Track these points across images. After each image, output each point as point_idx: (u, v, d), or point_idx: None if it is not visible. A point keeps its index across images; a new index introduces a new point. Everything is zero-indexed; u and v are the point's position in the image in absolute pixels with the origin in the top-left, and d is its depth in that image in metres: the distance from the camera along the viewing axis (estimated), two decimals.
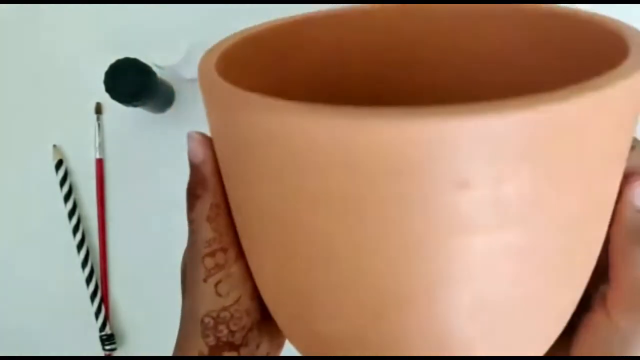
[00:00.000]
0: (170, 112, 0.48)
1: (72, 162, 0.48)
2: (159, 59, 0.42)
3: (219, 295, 0.27)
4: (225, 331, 0.28)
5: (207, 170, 0.27)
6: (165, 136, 0.48)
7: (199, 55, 0.50)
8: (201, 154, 0.26)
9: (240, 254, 0.28)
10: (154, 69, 0.43)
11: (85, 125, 0.48)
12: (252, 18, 0.48)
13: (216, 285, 0.27)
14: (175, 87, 0.48)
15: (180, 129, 0.48)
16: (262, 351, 0.30)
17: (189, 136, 0.27)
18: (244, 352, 0.29)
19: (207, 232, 0.27)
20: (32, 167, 0.49)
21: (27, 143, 0.49)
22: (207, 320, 0.27)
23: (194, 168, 0.27)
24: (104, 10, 0.49)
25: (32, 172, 0.49)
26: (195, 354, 0.28)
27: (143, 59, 0.42)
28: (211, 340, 0.28)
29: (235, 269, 0.28)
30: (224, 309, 0.28)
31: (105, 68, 0.42)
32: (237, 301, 0.28)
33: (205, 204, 0.27)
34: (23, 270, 0.48)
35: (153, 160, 0.48)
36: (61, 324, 0.48)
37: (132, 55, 0.42)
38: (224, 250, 0.27)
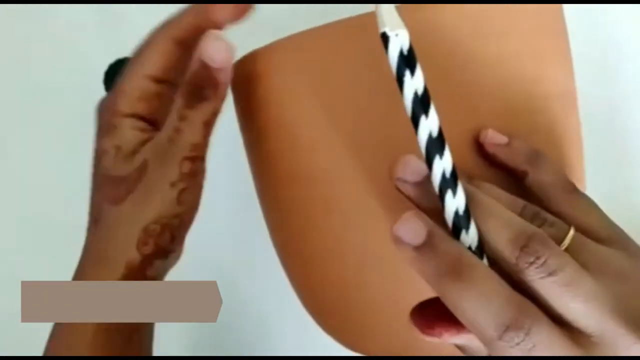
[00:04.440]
0: None
1: (73, 162, 0.48)
2: None
3: (179, 202, 0.26)
4: (168, 237, 0.27)
5: (223, 76, 0.25)
6: None
7: None
8: (223, 59, 0.25)
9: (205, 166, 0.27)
10: None
11: (85, 126, 0.48)
12: (252, 18, 0.47)
13: (180, 192, 0.26)
14: None
15: None
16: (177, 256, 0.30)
17: (212, 35, 0.25)
18: (171, 258, 0.28)
19: (197, 135, 0.26)
20: (33, 166, 0.49)
21: (30, 142, 0.49)
22: (153, 227, 0.26)
23: (208, 69, 0.25)
24: (104, 10, 0.49)
25: (33, 171, 0.49)
26: (122, 265, 0.26)
27: None
28: (148, 249, 0.26)
29: (199, 178, 0.27)
30: (176, 216, 0.26)
31: (105, 68, 0.42)
32: (189, 209, 0.27)
33: (209, 108, 0.26)
34: (21, 268, 0.48)
35: None
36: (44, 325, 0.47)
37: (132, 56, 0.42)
38: (202, 159, 0.27)
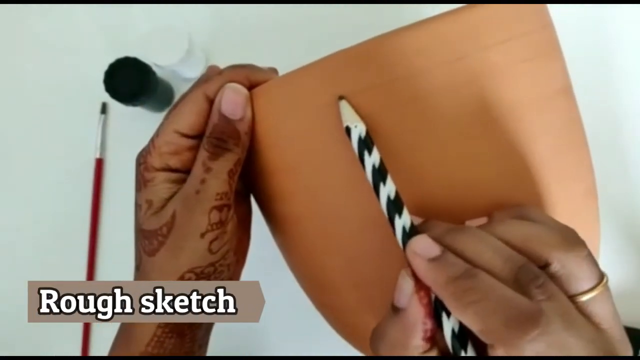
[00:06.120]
0: None
1: (71, 162, 0.48)
2: (159, 58, 0.42)
3: (211, 252, 0.27)
4: None
5: (244, 128, 0.26)
6: None
7: (199, 55, 0.51)
8: (242, 110, 0.26)
9: (234, 212, 0.28)
10: (154, 68, 0.43)
11: (84, 125, 0.48)
12: (252, 18, 0.48)
13: (211, 242, 0.26)
14: (175, 87, 0.48)
15: None
16: None
17: (232, 88, 0.26)
18: None
19: (223, 185, 0.26)
20: (34, 165, 0.49)
21: (30, 141, 0.49)
22: (188, 276, 0.26)
23: (228, 121, 0.26)
24: (104, 10, 0.49)
25: (32, 171, 0.49)
26: None
27: (143, 58, 0.42)
28: None
29: (230, 226, 0.27)
30: (211, 264, 0.27)
31: (105, 68, 0.42)
32: (223, 256, 0.27)
33: (232, 158, 0.26)
34: (19, 269, 0.49)
35: None
36: (43, 325, 0.47)
37: (132, 55, 0.42)
38: (228, 207, 0.27)
